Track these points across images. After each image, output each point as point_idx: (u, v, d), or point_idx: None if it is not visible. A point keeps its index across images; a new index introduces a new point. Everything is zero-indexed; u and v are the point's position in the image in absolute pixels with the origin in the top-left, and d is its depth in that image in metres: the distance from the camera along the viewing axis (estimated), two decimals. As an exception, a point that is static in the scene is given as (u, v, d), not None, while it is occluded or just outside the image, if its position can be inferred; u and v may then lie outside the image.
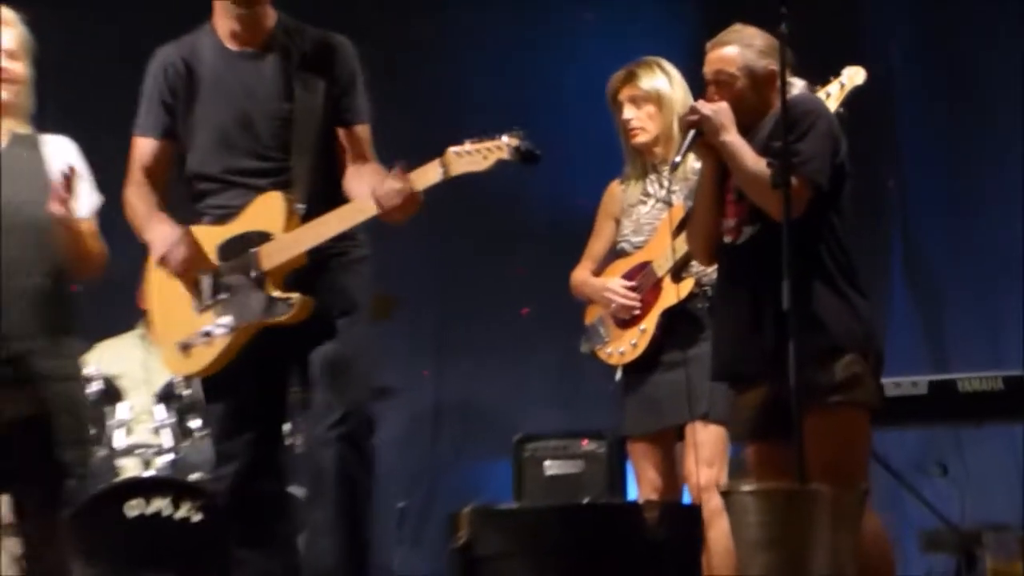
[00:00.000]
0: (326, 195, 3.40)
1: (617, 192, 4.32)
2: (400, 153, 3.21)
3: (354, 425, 3.33)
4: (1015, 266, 5.86)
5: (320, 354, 3.36)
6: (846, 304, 3.40)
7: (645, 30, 6.02)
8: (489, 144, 3.29)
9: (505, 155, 3.27)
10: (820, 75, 3.83)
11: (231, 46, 3.48)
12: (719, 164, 3.50)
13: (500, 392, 6.21)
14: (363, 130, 3.52)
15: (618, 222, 4.30)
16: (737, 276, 3.47)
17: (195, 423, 4.83)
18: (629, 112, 4.20)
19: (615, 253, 4.30)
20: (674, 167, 3.61)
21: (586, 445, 5.25)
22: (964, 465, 5.64)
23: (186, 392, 4.81)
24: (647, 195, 4.24)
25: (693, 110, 3.49)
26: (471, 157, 3.30)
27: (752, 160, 3.38)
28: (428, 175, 3.30)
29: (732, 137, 3.42)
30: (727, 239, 3.49)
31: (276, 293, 3.36)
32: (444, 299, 6.29)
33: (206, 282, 3.38)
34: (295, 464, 4.01)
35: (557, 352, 5.62)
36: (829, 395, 3.29)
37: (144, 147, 3.53)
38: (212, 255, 3.40)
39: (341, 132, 3.48)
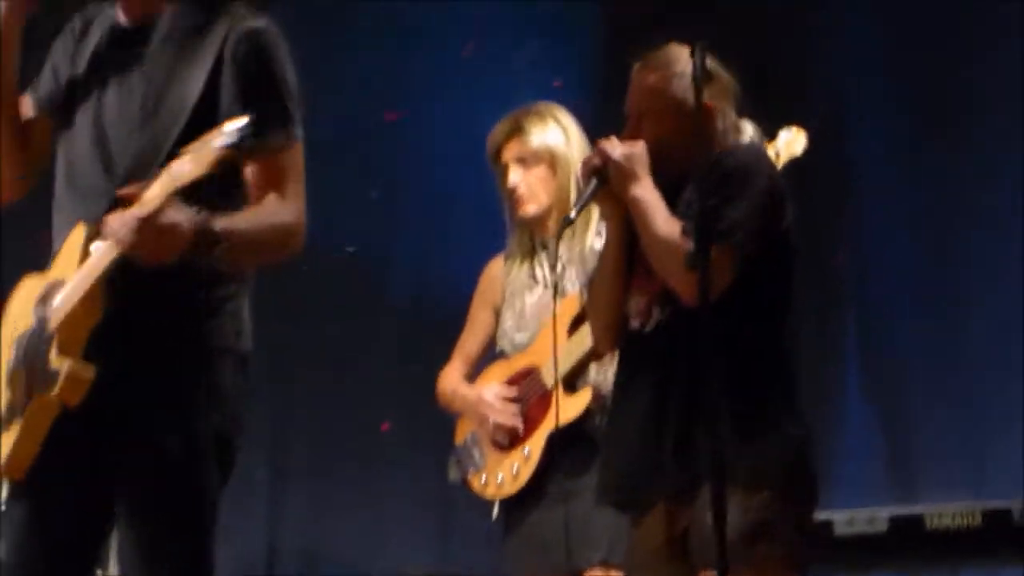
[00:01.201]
0: None
1: (497, 274, 4.37)
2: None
3: None
4: (1001, 369, 5.93)
5: (129, 510, 3.10)
6: (771, 423, 3.34)
7: (534, 66, 6.11)
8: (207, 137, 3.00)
9: (220, 142, 2.91)
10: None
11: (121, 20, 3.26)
12: (626, 222, 3.45)
13: (352, 530, 6.19)
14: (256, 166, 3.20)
15: (498, 313, 4.33)
16: (639, 371, 3.44)
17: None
18: (515, 175, 4.23)
19: (494, 353, 4.33)
20: (566, 224, 3.55)
21: None
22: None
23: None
24: (535, 280, 4.28)
25: (599, 152, 3.45)
26: (194, 159, 2.98)
27: (664, 221, 3.35)
28: (154, 192, 2.97)
29: (643, 191, 3.38)
30: (633, 323, 3.46)
31: (58, 361, 3.06)
32: (280, 409, 6.27)
33: (13, 349, 3.24)
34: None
35: (425, 478, 5.57)
36: (733, 545, 3.10)
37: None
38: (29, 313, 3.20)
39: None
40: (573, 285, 4.16)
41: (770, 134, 3.94)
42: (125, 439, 3.06)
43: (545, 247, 4.26)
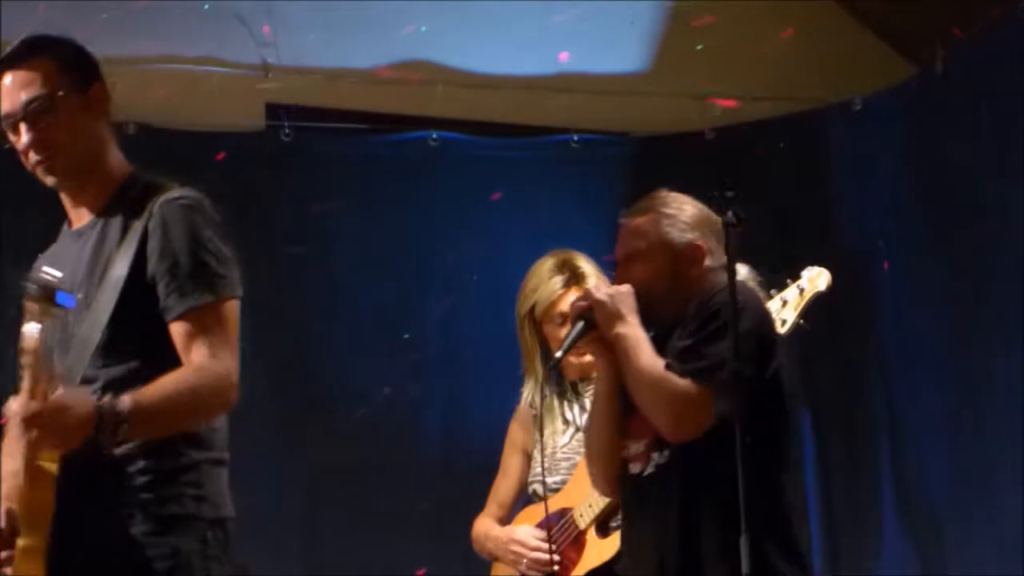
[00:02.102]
0: None
1: (527, 419, 4.38)
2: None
3: None
4: None
5: None
6: (783, 562, 3.31)
7: (561, 215, 6.17)
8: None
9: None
10: (783, 270, 3.94)
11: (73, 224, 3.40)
12: (617, 365, 3.45)
13: None
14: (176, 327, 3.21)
15: (529, 457, 4.34)
16: (639, 516, 3.44)
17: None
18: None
19: (526, 498, 4.34)
20: (552, 365, 3.60)
21: None
22: None
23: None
24: (566, 422, 4.29)
25: (585, 295, 3.49)
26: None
27: (647, 358, 3.36)
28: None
29: (628, 329, 3.38)
30: (633, 468, 3.45)
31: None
32: (313, 559, 6.13)
33: None
34: None
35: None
36: None
37: None
38: None
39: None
40: None
41: (794, 275, 3.99)
42: None
43: (576, 391, 4.28)
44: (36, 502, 2.97)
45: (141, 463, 3.06)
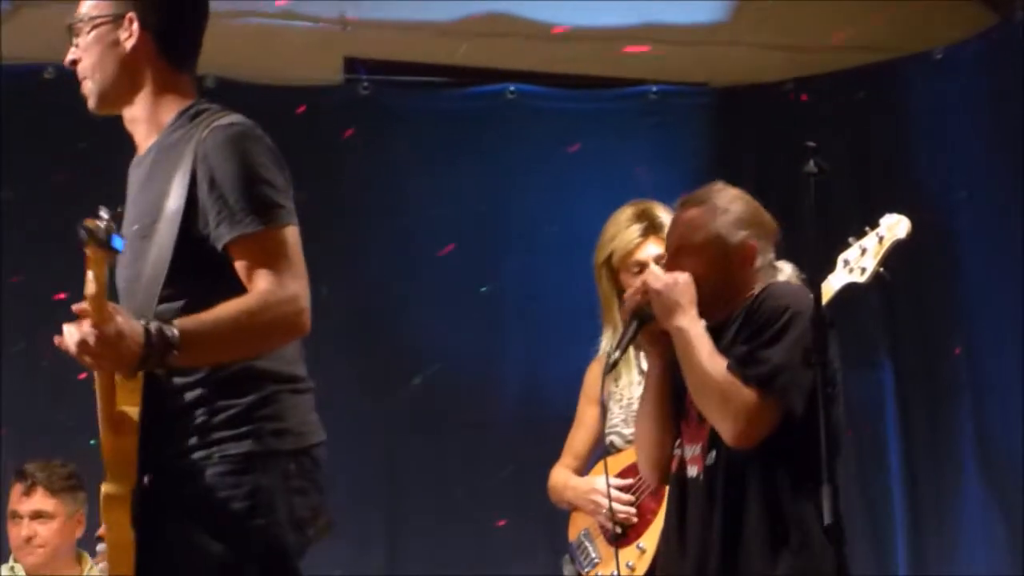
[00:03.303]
0: None
1: (601, 372, 4.27)
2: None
3: None
4: None
5: None
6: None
7: (640, 168, 6.17)
8: None
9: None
10: (863, 219, 3.89)
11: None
12: (670, 359, 3.42)
13: None
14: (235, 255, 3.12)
15: (606, 408, 4.32)
16: (686, 516, 3.40)
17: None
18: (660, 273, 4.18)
19: (604, 449, 4.33)
20: (611, 367, 3.55)
21: None
22: None
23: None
24: (642, 374, 4.24)
25: (642, 287, 3.43)
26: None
27: (708, 356, 3.30)
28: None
29: (687, 322, 3.33)
30: (691, 471, 3.41)
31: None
32: (396, 511, 6.26)
33: None
34: None
35: (543, 573, 5.53)
36: None
37: None
38: None
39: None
40: None
41: (873, 222, 3.94)
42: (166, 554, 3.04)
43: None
44: (121, 449, 2.98)
45: (216, 403, 3.03)
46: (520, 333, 6.36)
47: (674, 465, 3.49)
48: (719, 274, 3.41)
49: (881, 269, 3.83)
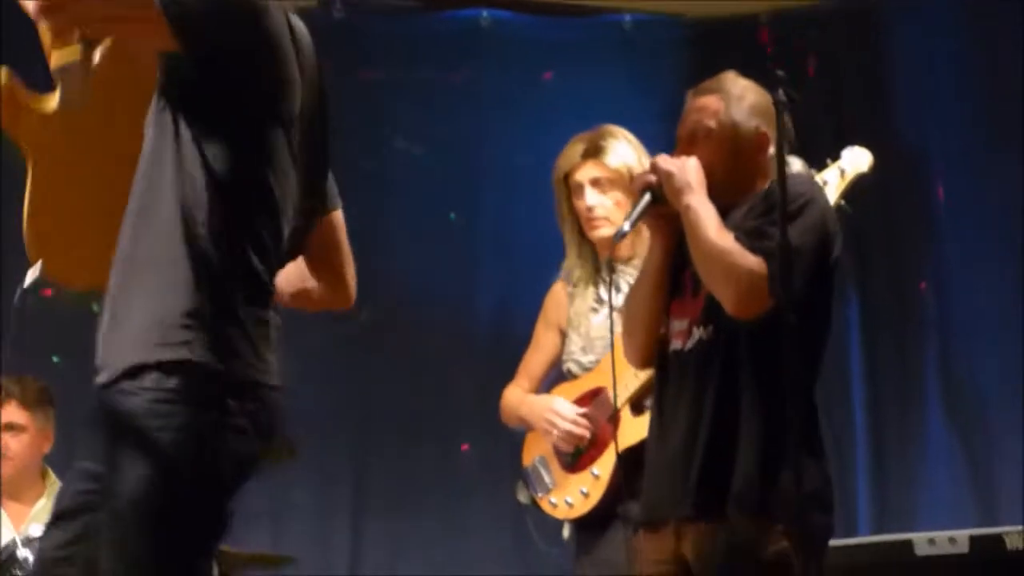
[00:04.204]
0: None
1: (562, 297, 4.38)
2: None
3: None
4: None
5: None
6: (805, 454, 3.23)
7: (613, 98, 6.17)
8: None
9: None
10: (831, 152, 3.92)
11: None
12: (673, 243, 3.44)
13: (432, 552, 6.22)
14: None
15: (563, 334, 4.34)
16: (677, 390, 3.43)
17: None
18: (593, 197, 4.23)
19: (560, 374, 4.34)
20: (620, 237, 3.52)
21: None
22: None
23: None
24: (600, 302, 4.27)
25: (652, 167, 3.44)
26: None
27: (717, 231, 3.33)
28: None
29: (697, 201, 3.35)
30: (675, 344, 3.45)
31: None
32: (363, 435, 6.32)
33: None
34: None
35: (505, 499, 5.54)
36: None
37: None
38: None
39: None
40: None
41: (835, 155, 3.97)
42: None
43: (612, 270, 4.23)
44: None
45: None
46: (493, 263, 6.37)
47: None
48: (732, 161, 3.44)
49: (843, 202, 3.83)
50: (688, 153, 3.43)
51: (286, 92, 2.90)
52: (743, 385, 3.33)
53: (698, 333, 3.40)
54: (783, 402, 3.20)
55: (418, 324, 6.25)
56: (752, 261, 3.26)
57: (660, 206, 3.42)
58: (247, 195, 2.83)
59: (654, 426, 3.53)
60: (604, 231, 4.19)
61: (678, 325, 3.45)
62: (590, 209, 4.22)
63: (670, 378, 3.47)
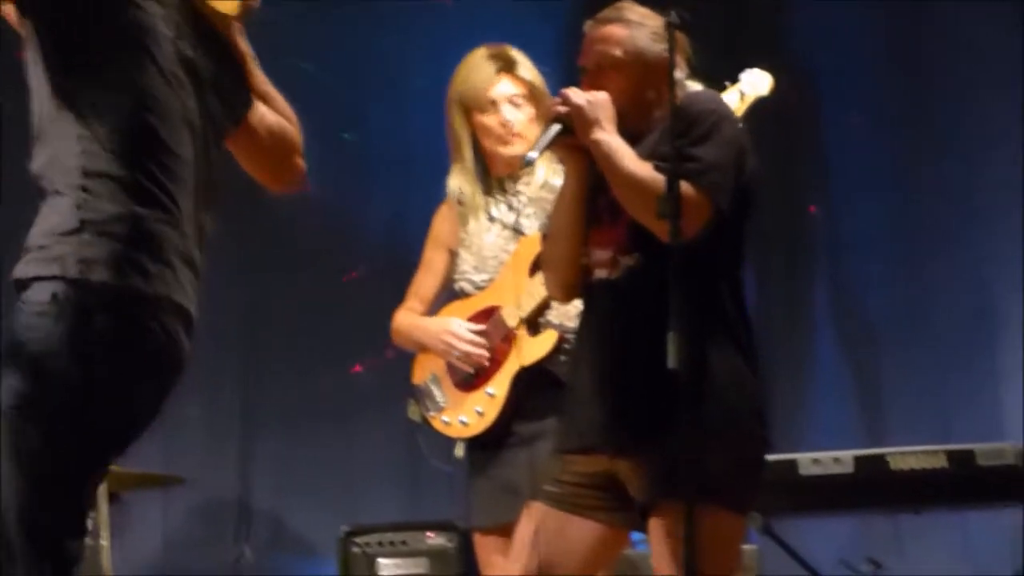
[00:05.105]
0: None
1: (451, 216, 4.35)
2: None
3: None
4: (975, 318, 6.04)
5: None
6: (736, 372, 3.34)
7: (512, 21, 6.16)
8: None
9: None
10: (726, 77, 3.91)
11: None
12: (586, 172, 3.44)
13: (323, 473, 6.22)
14: None
15: (453, 254, 4.32)
16: (604, 319, 3.44)
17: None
18: (511, 112, 4.20)
19: (452, 294, 4.32)
20: (527, 164, 3.51)
21: (432, 539, 5.31)
22: (904, 561, 5.72)
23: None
24: (492, 220, 4.26)
25: (563, 97, 3.41)
26: None
27: (633, 161, 3.33)
28: None
29: (607, 135, 3.35)
30: (600, 274, 3.44)
31: None
32: (252, 353, 6.33)
33: None
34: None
35: (398, 420, 5.57)
36: (691, 491, 3.14)
37: None
38: None
39: None
40: (532, 224, 4.16)
41: (733, 78, 3.97)
42: None
43: (503, 188, 4.25)
44: None
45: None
46: (386, 183, 6.33)
47: None
48: (640, 88, 3.44)
49: (740, 125, 3.69)
50: (595, 84, 3.44)
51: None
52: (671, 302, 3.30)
53: (624, 262, 3.40)
54: (716, 325, 3.26)
55: (310, 242, 6.21)
56: (680, 188, 3.25)
57: (569, 136, 3.41)
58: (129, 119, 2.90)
59: (582, 356, 3.51)
60: (517, 147, 4.16)
61: (600, 254, 3.45)
62: (506, 124, 4.20)
63: (597, 308, 3.47)
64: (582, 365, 3.49)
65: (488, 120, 4.22)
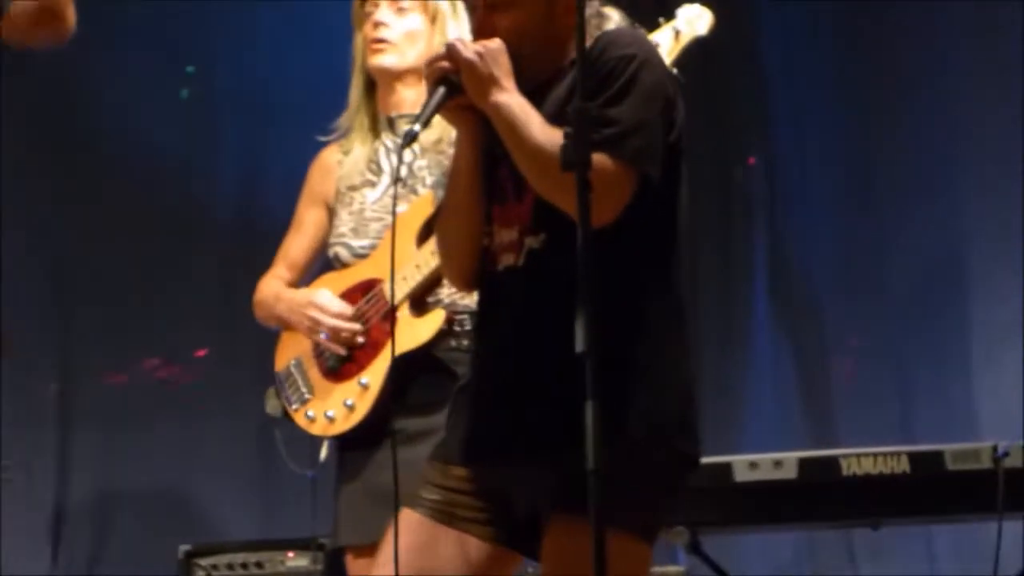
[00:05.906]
0: None
1: (331, 165, 4.23)
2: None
3: None
4: (937, 289, 6.07)
5: None
6: (659, 372, 3.23)
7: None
8: None
9: None
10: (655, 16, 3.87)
11: None
12: (481, 134, 3.28)
13: (161, 479, 6.16)
14: None
15: (331, 212, 4.20)
16: (507, 314, 3.30)
17: None
18: (385, 14, 4.10)
19: (325, 261, 4.21)
20: (409, 139, 3.26)
21: (292, 559, 5.29)
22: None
23: None
24: (378, 170, 4.17)
25: (448, 52, 3.24)
26: None
27: (540, 129, 3.15)
28: None
29: (507, 96, 3.18)
30: (506, 260, 3.30)
31: None
32: (73, 336, 6.26)
33: None
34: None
35: (252, 414, 5.36)
36: (597, 506, 2.95)
37: None
38: None
39: None
40: (426, 182, 4.07)
41: (668, 14, 3.98)
42: None
43: (393, 130, 4.13)
44: None
45: None
46: (235, 125, 6.37)
47: None
48: (542, 25, 3.28)
49: (674, 69, 3.72)
50: (490, 22, 3.28)
51: None
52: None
53: (529, 243, 3.24)
54: (635, 315, 3.18)
55: (147, 199, 6.17)
56: (595, 160, 3.03)
57: (459, 97, 3.24)
58: None
59: (481, 352, 3.39)
60: (383, 59, 4.08)
61: (506, 236, 3.30)
62: (376, 26, 4.09)
63: (500, 299, 3.33)
64: (481, 364, 3.38)
65: (365, 29, 4.13)
